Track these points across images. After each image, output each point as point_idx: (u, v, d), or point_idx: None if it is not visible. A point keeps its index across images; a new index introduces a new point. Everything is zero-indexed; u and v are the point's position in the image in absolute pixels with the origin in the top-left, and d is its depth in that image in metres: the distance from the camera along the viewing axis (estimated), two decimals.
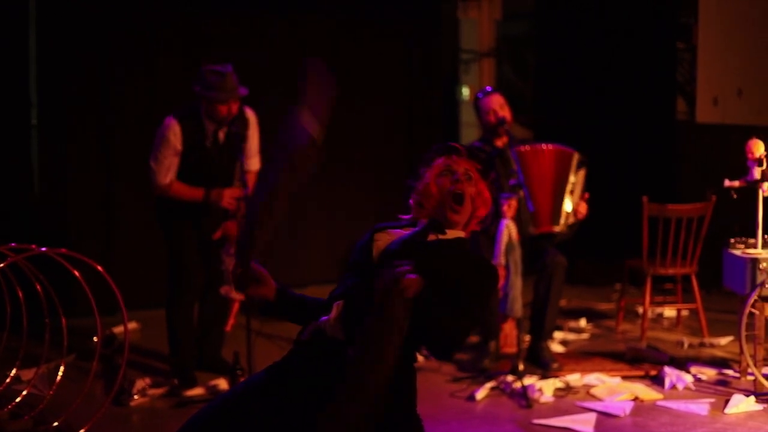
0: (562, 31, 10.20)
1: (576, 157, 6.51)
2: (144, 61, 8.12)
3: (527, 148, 6.50)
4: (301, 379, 3.06)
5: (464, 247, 3.21)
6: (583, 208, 6.50)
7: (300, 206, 8.99)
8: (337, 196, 9.09)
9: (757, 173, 5.96)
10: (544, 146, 6.54)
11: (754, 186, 6.03)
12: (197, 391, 5.90)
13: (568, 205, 6.49)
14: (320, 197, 9.04)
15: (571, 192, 6.49)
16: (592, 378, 6.13)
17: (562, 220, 6.48)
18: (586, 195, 6.51)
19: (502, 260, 5.91)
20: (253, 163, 6.15)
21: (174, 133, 5.81)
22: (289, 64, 8.60)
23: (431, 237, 3.18)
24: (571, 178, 6.48)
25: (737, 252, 6.07)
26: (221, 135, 5.91)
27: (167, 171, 5.83)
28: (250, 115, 6.08)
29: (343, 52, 8.95)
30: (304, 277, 8.47)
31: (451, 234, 3.20)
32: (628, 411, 5.56)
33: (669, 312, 7.96)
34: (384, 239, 3.21)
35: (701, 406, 5.61)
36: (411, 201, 3.29)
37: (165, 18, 8.22)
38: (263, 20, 8.70)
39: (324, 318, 3.09)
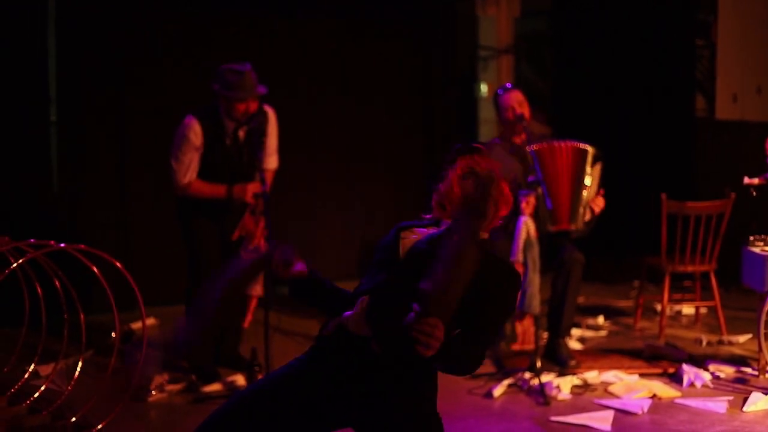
0: (581, 28, 10.17)
1: (591, 152, 6.48)
2: (160, 60, 8.15)
3: (544, 146, 6.46)
4: (324, 374, 3.07)
5: (487, 249, 3.20)
6: (601, 202, 6.46)
7: (319, 204, 9.00)
8: (355, 194, 9.09)
9: None
10: (561, 144, 6.50)
11: None
12: (215, 387, 5.91)
13: (585, 201, 6.46)
14: (339, 196, 9.05)
15: (588, 187, 6.46)
16: (609, 375, 6.11)
17: (580, 217, 6.46)
18: (601, 191, 6.48)
19: (520, 257, 5.91)
20: (271, 162, 6.15)
21: (194, 132, 5.82)
22: (306, 64, 8.62)
23: None
24: (588, 173, 6.45)
25: (756, 249, 6.05)
26: (241, 134, 5.91)
27: (187, 169, 5.84)
28: (270, 112, 6.08)
29: (359, 51, 8.94)
30: (323, 274, 8.46)
31: None
32: (645, 408, 5.54)
33: (687, 309, 7.94)
34: (411, 238, 3.19)
35: (719, 404, 5.59)
36: (433, 201, 3.26)
37: (177, 18, 8.23)
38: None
39: (347, 313, 3.09)
